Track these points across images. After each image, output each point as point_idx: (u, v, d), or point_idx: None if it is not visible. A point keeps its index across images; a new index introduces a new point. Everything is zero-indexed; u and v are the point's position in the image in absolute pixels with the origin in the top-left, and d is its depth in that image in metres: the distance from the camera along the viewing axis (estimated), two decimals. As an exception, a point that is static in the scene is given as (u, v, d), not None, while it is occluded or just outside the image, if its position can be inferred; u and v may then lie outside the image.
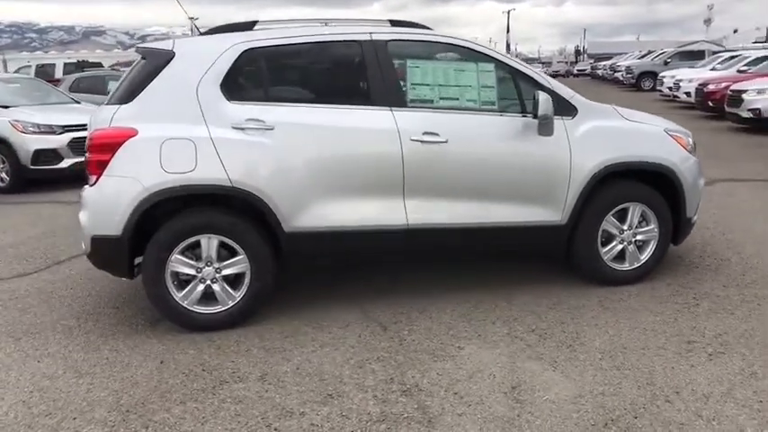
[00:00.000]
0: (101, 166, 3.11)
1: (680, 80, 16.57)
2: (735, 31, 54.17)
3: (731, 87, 11.83)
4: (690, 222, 3.94)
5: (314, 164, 3.25)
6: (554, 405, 2.52)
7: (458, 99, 3.51)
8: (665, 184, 3.75)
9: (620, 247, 3.77)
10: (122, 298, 3.85)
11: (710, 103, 13.20)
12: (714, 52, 22.97)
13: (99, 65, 17.86)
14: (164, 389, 2.73)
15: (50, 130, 7.43)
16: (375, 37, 3.40)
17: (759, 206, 5.75)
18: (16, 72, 14.58)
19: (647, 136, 3.80)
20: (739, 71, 14.58)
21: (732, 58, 16.96)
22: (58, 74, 15.71)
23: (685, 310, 3.44)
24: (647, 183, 3.76)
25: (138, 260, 3.32)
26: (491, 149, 3.47)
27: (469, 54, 3.55)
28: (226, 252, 3.26)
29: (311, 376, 2.80)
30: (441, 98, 3.48)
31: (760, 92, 10.91)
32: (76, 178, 7.44)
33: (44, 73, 15.51)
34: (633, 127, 3.79)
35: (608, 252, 3.75)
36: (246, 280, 3.28)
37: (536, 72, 3.63)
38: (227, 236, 3.21)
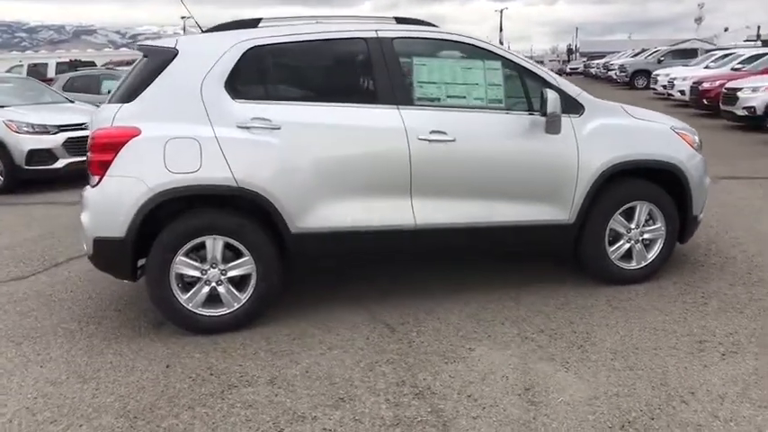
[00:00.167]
0: (103, 167, 3.05)
1: (674, 78, 16.64)
2: (725, 30, 54.60)
3: (726, 85, 11.88)
4: (696, 220, 3.93)
5: (321, 163, 3.20)
6: (569, 407, 2.49)
7: (465, 97, 3.47)
8: (671, 182, 3.74)
9: (627, 245, 3.75)
10: (124, 300, 3.78)
11: (705, 101, 13.25)
12: (707, 51, 23.12)
13: (92, 64, 17.69)
14: (171, 394, 2.68)
15: (45, 129, 7.32)
16: (381, 34, 3.35)
17: (759, 204, 5.76)
18: (8, 72, 14.39)
19: (655, 134, 3.78)
20: (733, 69, 14.66)
21: (725, 56, 17.06)
22: (51, 73, 15.54)
23: (694, 309, 3.42)
24: (654, 181, 3.74)
25: (140, 262, 3.26)
26: (499, 148, 3.44)
27: (476, 51, 3.51)
28: (231, 253, 3.20)
29: (321, 379, 2.76)
30: (448, 96, 3.44)
31: (755, 90, 10.96)
32: (72, 178, 7.41)
33: (36, 72, 15.34)
34: (640, 125, 3.77)
35: (615, 251, 3.73)
36: (252, 281, 3.23)
37: (543, 70, 3.60)
38: (233, 237, 3.16)
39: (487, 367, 2.82)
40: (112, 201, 3.05)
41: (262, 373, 2.82)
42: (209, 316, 3.23)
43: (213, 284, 3.20)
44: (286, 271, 3.37)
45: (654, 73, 20.20)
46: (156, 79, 3.13)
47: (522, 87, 3.54)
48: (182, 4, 3.70)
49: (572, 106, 3.54)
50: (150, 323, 3.41)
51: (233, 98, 3.15)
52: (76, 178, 7.30)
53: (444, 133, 3.31)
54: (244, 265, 3.20)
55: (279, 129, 3.15)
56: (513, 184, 3.46)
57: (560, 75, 4.26)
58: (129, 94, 3.16)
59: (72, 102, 8.76)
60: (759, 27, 37.43)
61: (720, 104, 11.81)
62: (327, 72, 3.54)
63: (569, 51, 68.65)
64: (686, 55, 23.70)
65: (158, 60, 3.19)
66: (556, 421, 2.39)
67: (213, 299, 3.23)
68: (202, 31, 3.57)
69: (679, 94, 15.85)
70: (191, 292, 3.19)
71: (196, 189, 3.08)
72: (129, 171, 3.02)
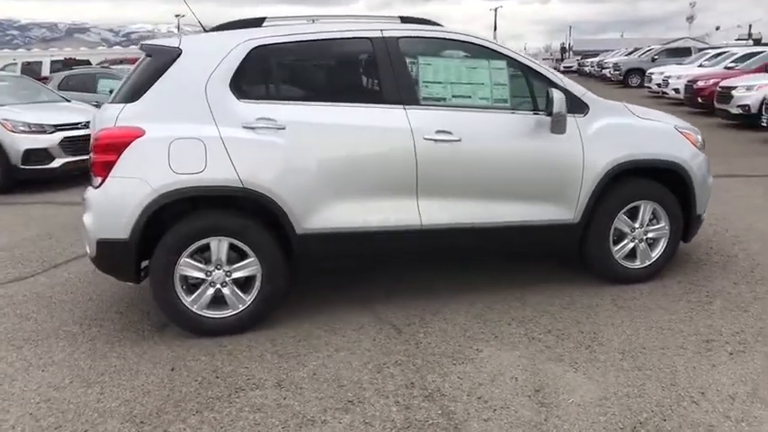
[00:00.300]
0: (106, 167, 3.01)
1: (668, 77, 16.71)
2: (717, 29, 55.05)
3: (720, 84, 11.94)
4: (699, 219, 3.94)
5: (326, 164, 3.17)
6: (580, 408, 2.48)
7: (470, 97, 3.45)
8: (675, 181, 3.74)
9: (631, 245, 3.75)
10: (125, 302, 3.74)
11: (700, 100, 13.31)
12: (700, 49, 23.24)
13: (87, 62, 17.51)
14: (177, 397, 2.64)
15: (41, 129, 7.23)
16: (386, 34, 3.32)
17: (758, 202, 5.79)
18: (2, 70, 14.22)
19: (659, 133, 3.78)
20: (726, 68, 14.75)
21: (718, 55, 17.15)
22: (45, 72, 15.38)
23: (699, 308, 3.43)
24: (658, 180, 3.74)
25: (144, 263, 3.23)
26: (504, 148, 3.42)
27: (482, 51, 3.49)
28: (235, 255, 3.17)
29: (329, 382, 2.74)
30: (453, 96, 3.42)
31: (749, 88, 11.02)
32: (69, 178, 7.35)
33: (30, 71, 15.17)
34: (645, 124, 3.76)
35: (619, 250, 3.73)
36: (257, 283, 3.20)
37: (548, 69, 3.59)
38: (238, 238, 3.12)
39: (496, 368, 2.81)
40: (116, 202, 3.01)
41: (269, 376, 2.80)
42: (214, 318, 3.20)
43: (218, 286, 3.17)
44: (291, 272, 3.34)
45: (648, 71, 20.27)
46: (160, 79, 3.09)
47: (528, 87, 3.53)
48: (184, 2, 3.64)
49: (577, 106, 3.53)
50: (153, 325, 3.38)
51: (238, 98, 3.12)
52: (74, 178, 7.29)
53: (450, 133, 3.29)
54: (249, 267, 3.17)
55: (284, 129, 3.12)
56: (519, 184, 3.45)
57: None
58: (133, 94, 3.11)
59: (68, 101, 8.66)
60: (750, 26, 37.70)
61: (715, 103, 11.88)
62: (332, 72, 3.51)
63: (563, 50, 68.74)
64: (680, 53, 23.82)
65: (162, 60, 3.15)
66: (567, 423, 2.38)
67: (217, 300, 3.20)
68: (205, 31, 3.53)
69: (673, 92, 15.93)
70: (195, 293, 3.16)
71: (201, 190, 3.05)
72: (133, 172, 2.98)
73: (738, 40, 32.94)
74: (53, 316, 3.59)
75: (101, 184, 3.04)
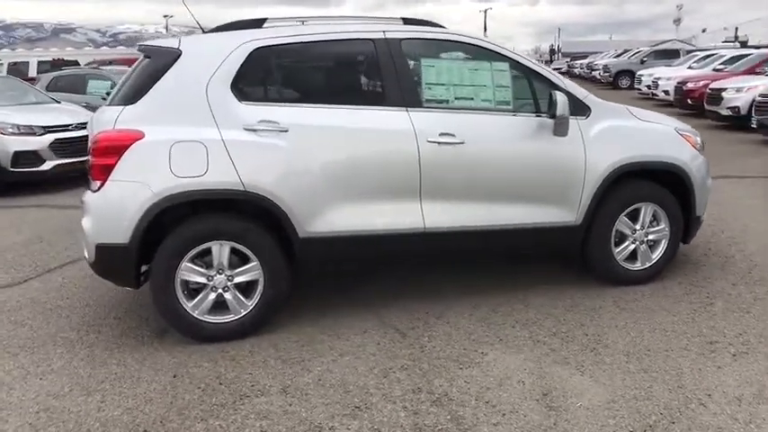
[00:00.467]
0: (105, 171, 2.95)
1: (658, 78, 16.85)
2: (703, 31, 55.55)
3: (710, 86, 12.07)
4: (699, 221, 3.96)
5: (329, 166, 3.14)
6: (589, 412, 2.47)
7: (473, 99, 3.44)
8: (675, 183, 3.76)
9: (632, 246, 3.76)
10: (123, 308, 3.68)
11: (689, 101, 13.44)
12: (688, 51, 23.48)
13: (76, 63, 17.27)
14: (181, 405, 2.60)
15: (30, 131, 7.11)
16: (389, 35, 3.30)
17: (752, 203, 5.84)
18: (-13, 70, 14.00)
19: (660, 135, 3.79)
20: (715, 70, 14.91)
21: (707, 57, 17.33)
22: (32, 72, 15.17)
23: (701, 309, 3.44)
24: (658, 182, 3.75)
25: (143, 268, 3.17)
26: (507, 150, 3.42)
27: (484, 53, 3.48)
28: (237, 259, 3.13)
29: (335, 387, 2.70)
30: (456, 98, 3.40)
31: (738, 90, 11.15)
32: (61, 181, 7.24)
33: (17, 71, 14.94)
34: (645, 127, 3.78)
35: (621, 252, 3.74)
36: (259, 287, 3.16)
37: (551, 72, 3.59)
38: (240, 242, 3.08)
39: (503, 372, 2.80)
40: (116, 206, 2.95)
41: (273, 382, 2.76)
42: (215, 323, 3.15)
43: (220, 291, 3.13)
44: (293, 276, 3.31)
45: (638, 73, 20.43)
46: (160, 81, 3.04)
47: (530, 89, 3.52)
48: (183, 4, 3.60)
49: (579, 108, 3.53)
50: (153, 331, 3.32)
51: (239, 100, 3.08)
52: (67, 180, 7.18)
53: (453, 135, 3.28)
54: (251, 271, 3.13)
55: (286, 131, 3.09)
56: (522, 187, 3.44)
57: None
58: (132, 96, 3.06)
59: (58, 102, 8.54)
60: (737, 29, 38.14)
61: (705, 104, 11.99)
62: (335, 73, 3.48)
63: (552, 52, 69.23)
64: (668, 55, 24.04)
65: (161, 61, 3.10)
66: (577, 427, 2.37)
67: (218, 305, 3.16)
68: (204, 32, 3.49)
69: (663, 94, 16.05)
70: (197, 298, 3.11)
71: (203, 193, 3.00)
72: (134, 175, 2.93)
73: (725, 42, 33.31)
74: (49, 322, 3.52)
75: (100, 188, 2.98)
